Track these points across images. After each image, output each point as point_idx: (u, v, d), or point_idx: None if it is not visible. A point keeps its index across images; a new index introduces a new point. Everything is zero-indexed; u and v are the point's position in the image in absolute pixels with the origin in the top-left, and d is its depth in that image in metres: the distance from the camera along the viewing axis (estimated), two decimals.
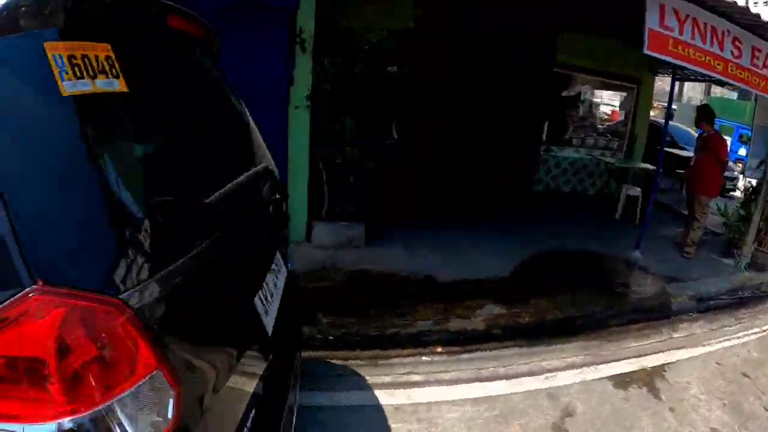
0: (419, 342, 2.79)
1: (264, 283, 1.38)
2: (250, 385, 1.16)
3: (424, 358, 2.69)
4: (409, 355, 2.70)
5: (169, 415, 0.76)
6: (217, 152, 1.36)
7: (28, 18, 0.70)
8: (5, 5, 0.68)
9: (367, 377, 2.47)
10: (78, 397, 0.64)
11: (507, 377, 2.58)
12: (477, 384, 2.50)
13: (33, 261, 0.63)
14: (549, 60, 5.36)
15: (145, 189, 0.90)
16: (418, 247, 3.99)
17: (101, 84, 0.80)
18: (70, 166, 0.72)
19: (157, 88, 1.05)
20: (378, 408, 2.24)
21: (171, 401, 0.76)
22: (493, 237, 4.42)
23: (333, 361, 2.60)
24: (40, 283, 0.63)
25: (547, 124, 6.31)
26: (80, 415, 0.64)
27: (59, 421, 0.63)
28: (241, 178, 1.34)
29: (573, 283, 3.62)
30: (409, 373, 2.54)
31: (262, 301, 1.33)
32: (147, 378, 0.72)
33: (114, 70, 0.83)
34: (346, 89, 3.85)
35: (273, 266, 1.55)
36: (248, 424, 1.09)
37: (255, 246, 1.41)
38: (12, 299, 0.62)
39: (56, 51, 0.73)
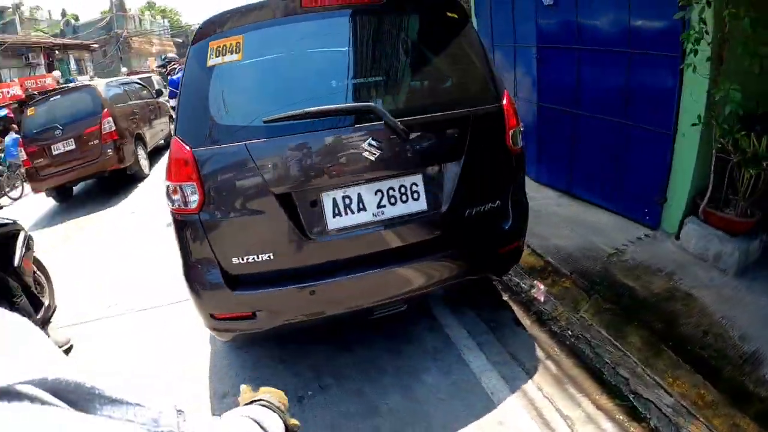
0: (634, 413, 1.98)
1: (347, 192, 1.93)
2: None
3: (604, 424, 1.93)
4: (601, 408, 2.03)
5: (194, 206, 1.82)
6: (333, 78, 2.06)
7: (203, 34, 1.86)
8: (201, 30, 1.87)
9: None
10: (170, 177, 1.84)
11: None
12: None
13: (179, 130, 1.84)
14: None
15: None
16: None
17: (227, 58, 1.84)
18: (204, 91, 1.86)
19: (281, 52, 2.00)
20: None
21: (196, 198, 1.81)
22: None
23: (536, 350, 2.44)
24: (177, 137, 1.83)
25: None
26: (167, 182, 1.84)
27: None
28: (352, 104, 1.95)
29: None
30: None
31: (335, 202, 1.93)
32: (190, 183, 1.80)
33: (237, 49, 1.84)
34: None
35: (391, 190, 1.98)
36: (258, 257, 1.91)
37: (356, 162, 1.90)
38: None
39: (212, 45, 1.84)
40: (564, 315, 2.59)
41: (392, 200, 1.98)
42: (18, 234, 2.81)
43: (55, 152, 6.47)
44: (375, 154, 1.88)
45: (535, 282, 2.88)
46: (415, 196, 2.00)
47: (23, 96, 14.25)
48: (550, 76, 4.05)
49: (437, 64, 2.17)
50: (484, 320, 2.69)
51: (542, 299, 2.77)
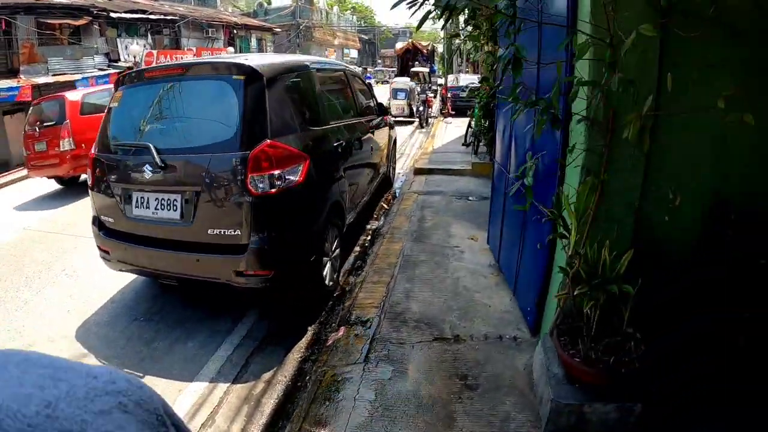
0: None
1: (143, 194, 3.38)
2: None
3: None
4: None
5: (90, 182, 3.55)
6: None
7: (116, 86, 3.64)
8: (115, 83, 3.57)
9: None
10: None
11: None
12: None
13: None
14: None
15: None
16: None
17: (114, 104, 3.70)
18: (105, 121, 3.62)
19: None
20: None
21: (90, 179, 3.59)
22: None
23: (267, 372, 3.25)
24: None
25: None
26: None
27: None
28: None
29: None
30: None
31: (137, 198, 3.37)
32: (89, 171, 3.71)
33: (118, 99, 3.60)
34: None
35: (162, 200, 3.32)
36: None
37: None
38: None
39: (115, 94, 3.62)
40: (321, 362, 3.03)
41: (162, 207, 3.28)
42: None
43: None
44: (149, 174, 3.27)
45: (341, 328, 3.40)
46: (174, 208, 3.25)
47: None
48: (498, 129, 4.25)
49: (209, 115, 3.31)
50: (271, 332, 3.61)
51: (329, 342, 3.33)
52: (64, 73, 16.13)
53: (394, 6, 1.88)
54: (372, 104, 6.04)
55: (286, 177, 3.19)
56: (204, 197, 3.18)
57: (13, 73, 15.43)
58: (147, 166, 3.25)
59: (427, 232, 5.04)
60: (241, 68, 3.24)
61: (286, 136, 3.30)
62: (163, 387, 3.05)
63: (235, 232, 3.18)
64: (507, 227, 3.71)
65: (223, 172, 3.14)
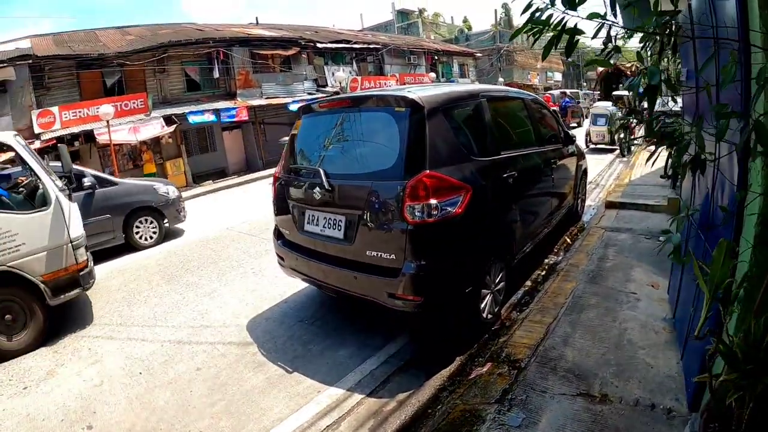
0: None
1: (314, 212, 3.96)
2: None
3: None
4: None
5: (272, 198, 4.51)
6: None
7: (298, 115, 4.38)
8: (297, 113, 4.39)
9: None
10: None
11: None
12: None
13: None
14: None
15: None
16: None
17: (296, 131, 4.45)
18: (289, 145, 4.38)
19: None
20: None
21: (272, 195, 4.46)
22: None
23: (400, 393, 3.45)
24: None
25: None
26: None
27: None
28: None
29: None
30: None
31: (309, 215, 4.00)
32: (273, 187, 4.53)
33: (298, 127, 4.42)
34: None
35: (330, 219, 3.86)
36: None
37: None
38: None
39: (297, 123, 4.47)
40: (456, 394, 3.17)
41: (328, 225, 3.79)
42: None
43: None
44: (318, 196, 3.81)
45: (488, 363, 3.50)
46: (338, 228, 3.72)
47: None
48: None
49: (372, 145, 3.67)
50: (419, 356, 3.81)
51: (472, 375, 3.45)
52: (277, 97, 19.39)
53: (513, 37, 1.95)
54: (557, 133, 5.95)
55: (444, 207, 3.36)
56: (364, 220, 3.56)
57: (232, 96, 19.12)
58: (317, 188, 3.81)
59: (605, 273, 4.81)
60: (403, 100, 3.52)
61: (448, 166, 3.48)
62: (305, 385, 3.55)
63: (390, 255, 3.46)
64: (685, 279, 3.27)
65: (383, 198, 3.47)
